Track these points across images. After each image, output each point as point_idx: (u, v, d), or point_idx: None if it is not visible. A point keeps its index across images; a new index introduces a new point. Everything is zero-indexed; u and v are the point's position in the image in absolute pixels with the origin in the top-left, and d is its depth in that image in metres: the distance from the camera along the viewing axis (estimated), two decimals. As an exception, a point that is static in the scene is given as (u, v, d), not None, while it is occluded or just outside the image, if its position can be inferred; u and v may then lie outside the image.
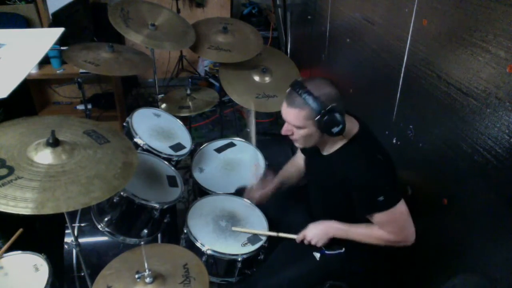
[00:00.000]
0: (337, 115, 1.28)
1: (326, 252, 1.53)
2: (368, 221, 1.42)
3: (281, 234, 1.62)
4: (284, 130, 1.40)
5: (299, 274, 1.51)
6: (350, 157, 1.38)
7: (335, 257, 1.52)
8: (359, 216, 1.41)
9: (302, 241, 1.53)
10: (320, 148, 1.47)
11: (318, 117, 1.28)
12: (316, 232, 1.50)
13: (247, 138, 2.22)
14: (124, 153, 1.29)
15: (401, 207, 1.35)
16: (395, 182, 1.39)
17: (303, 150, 1.71)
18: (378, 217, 1.37)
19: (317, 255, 1.53)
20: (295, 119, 1.33)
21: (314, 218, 1.66)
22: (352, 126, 1.41)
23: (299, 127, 1.34)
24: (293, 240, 1.57)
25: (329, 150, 1.44)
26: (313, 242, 1.50)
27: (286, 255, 1.57)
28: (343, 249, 1.52)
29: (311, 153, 1.54)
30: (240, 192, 1.88)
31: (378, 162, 1.36)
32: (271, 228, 1.70)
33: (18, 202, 1.01)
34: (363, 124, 1.44)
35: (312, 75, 3.32)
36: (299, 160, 1.80)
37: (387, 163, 1.38)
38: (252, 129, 1.89)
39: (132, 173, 1.23)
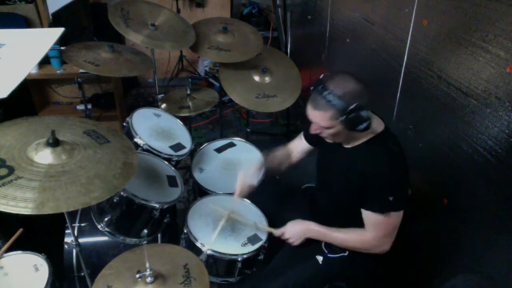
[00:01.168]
0: (362, 112, 1.27)
1: (329, 255, 1.53)
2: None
3: (260, 225, 1.65)
4: (313, 129, 1.40)
5: (302, 277, 1.51)
6: (374, 152, 1.38)
7: (338, 260, 1.52)
8: (363, 209, 1.42)
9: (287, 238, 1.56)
10: (343, 142, 1.47)
11: (344, 117, 1.28)
12: (294, 231, 1.54)
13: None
14: (124, 153, 1.29)
15: (399, 216, 1.37)
16: (407, 188, 1.40)
17: (317, 143, 1.68)
18: (376, 217, 1.37)
19: (320, 258, 1.53)
20: (321, 120, 1.33)
21: (315, 218, 1.66)
22: (378, 124, 1.41)
23: (326, 128, 1.35)
24: (271, 233, 1.62)
25: (353, 143, 1.44)
26: (290, 240, 1.54)
27: (289, 259, 1.57)
28: (346, 252, 1.52)
29: (330, 146, 1.52)
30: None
31: (400, 164, 1.37)
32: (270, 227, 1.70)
33: (18, 202, 1.01)
34: (387, 125, 1.45)
35: (312, 75, 3.32)
36: (293, 147, 1.78)
37: (406, 168, 1.39)
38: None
39: (132, 173, 1.23)
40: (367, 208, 1.39)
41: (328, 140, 1.45)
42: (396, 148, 1.38)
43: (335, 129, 1.34)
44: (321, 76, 1.35)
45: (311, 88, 1.35)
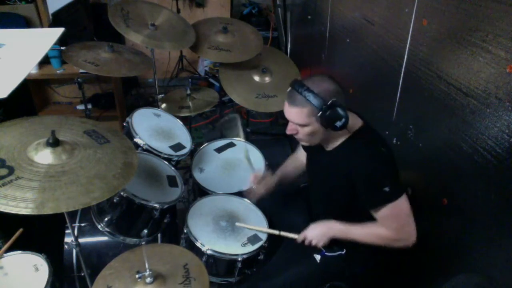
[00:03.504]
0: (339, 109, 1.28)
1: (327, 254, 1.52)
2: (368, 220, 1.42)
3: (283, 233, 1.62)
4: (289, 130, 1.40)
5: (300, 276, 1.51)
6: (353, 150, 1.38)
7: (336, 258, 1.52)
8: (363, 211, 1.41)
9: (303, 241, 1.53)
10: (323, 145, 1.47)
11: (320, 113, 1.29)
12: (317, 232, 1.50)
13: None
14: (124, 153, 1.29)
15: (405, 202, 1.36)
16: (397, 175, 1.40)
17: (305, 147, 1.70)
18: (383, 211, 1.35)
19: (318, 257, 1.53)
20: (298, 117, 1.34)
21: (313, 218, 1.66)
22: (355, 121, 1.41)
23: (303, 125, 1.35)
24: (293, 239, 1.57)
25: (332, 145, 1.44)
26: (313, 243, 1.50)
27: (287, 258, 1.57)
28: (344, 250, 1.52)
29: (314, 150, 1.53)
30: (241, 194, 1.88)
31: (382, 153, 1.37)
32: (271, 228, 1.70)
33: (18, 202, 1.01)
34: (366, 120, 1.45)
35: (312, 75, 3.32)
36: (299, 156, 1.80)
37: (390, 156, 1.39)
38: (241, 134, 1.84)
39: (132, 173, 1.23)
40: (369, 208, 1.39)
41: (304, 143, 1.45)
42: (375, 141, 1.38)
43: (311, 128, 1.35)
44: (298, 78, 1.36)
45: (289, 87, 1.36)
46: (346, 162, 1.38)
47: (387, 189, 1.32)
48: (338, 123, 1.29)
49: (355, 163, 1.36)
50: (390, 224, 1.38)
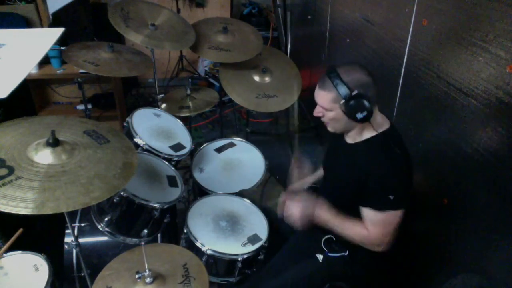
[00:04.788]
0: (363, 101, 1.29)
1: (329, 254, 1.52)
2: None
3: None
4: (316, 112, 1.43)
5: (302, 276, 1.51)
6: (376, 150, 1.38)
7: (338, 259, 1.52)
8: (362, 206, 1.41)
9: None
10: (346, 135, 1.47)
11: (343, 101, 1.31)
12: (299, 211, 1.46)
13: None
14: (124, 153, 1.29)
15: (399, 216, 1.36)
16: (409, 188, 1.40)
17: (328, 138, 1.69)
18: (376, 214, 1.36)
19: (320, 257, 1.53)
20: (324, 101, 1.37)
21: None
22: (383, 122, 1.41)
23: (327, 110, 1.38)
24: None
25: (355, 138, 1.44)
26: (291, 220, 1.47)
27: (289, 257, 1.57)
28: (347, 251, 1.51)
29: (334, 139, 1.53)
30: (241, 194, 1.88)
31: (402, 162, 1.37)
32: (271, 230, 1.70)
33: (18, 202, 1.01)
34: (393, 125, 1.44)
35: (312, 75, 3.32)
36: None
37: (409, 167, 1.38)
38: None
39: (132, 173, 1.23)
40: (365, 205, 1.39)
41: (329, 129, 1.46)
42: (398, 149, 1.37)
43: (335, 114, 1.36)
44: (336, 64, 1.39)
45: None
46: (366, 159, 1.38)
47: (391, 197, 1.32)
48: (359, 115, 1.30)
49: (374, 163, 1.36)
50: (374, 228, 1.38)
